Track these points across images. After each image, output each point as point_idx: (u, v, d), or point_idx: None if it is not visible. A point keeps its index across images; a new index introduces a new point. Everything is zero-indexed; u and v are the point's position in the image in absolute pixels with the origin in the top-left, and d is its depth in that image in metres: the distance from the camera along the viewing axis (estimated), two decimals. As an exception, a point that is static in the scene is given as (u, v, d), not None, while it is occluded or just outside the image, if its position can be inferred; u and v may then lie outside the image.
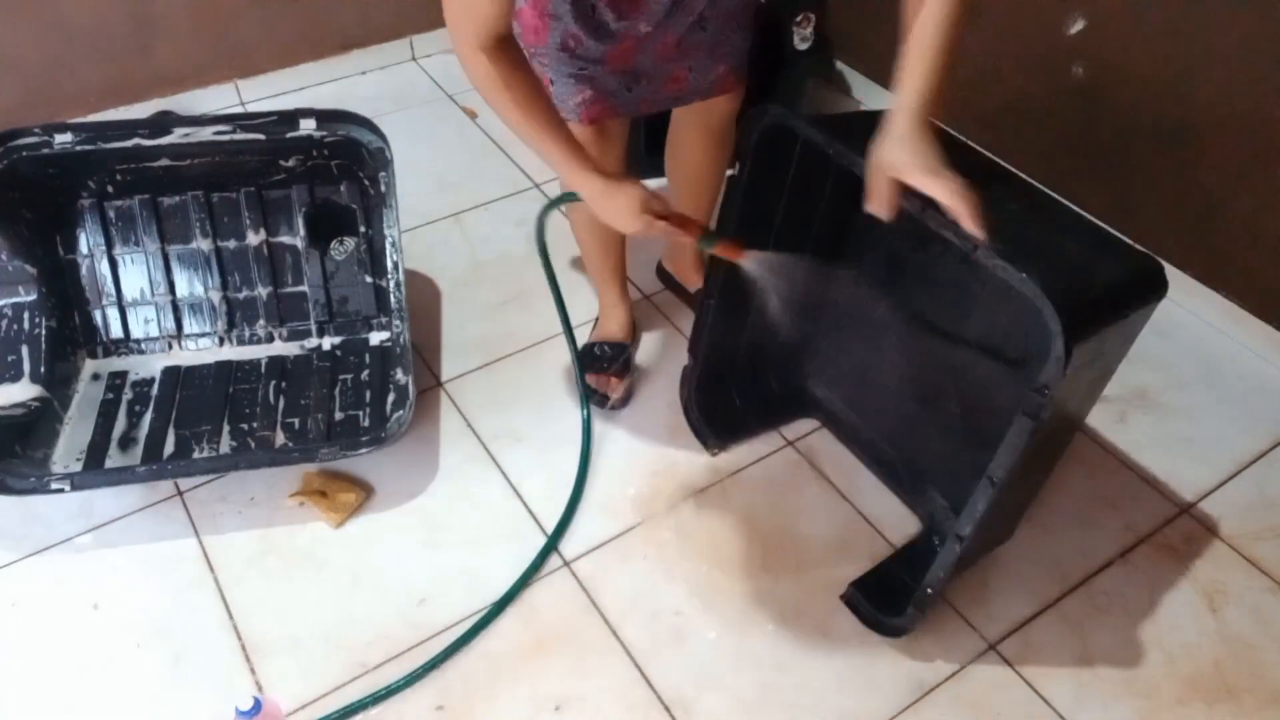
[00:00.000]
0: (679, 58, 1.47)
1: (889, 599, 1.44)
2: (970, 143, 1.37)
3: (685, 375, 1.71)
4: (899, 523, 1.60)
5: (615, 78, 1.45)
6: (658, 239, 1.63)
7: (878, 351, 1.61)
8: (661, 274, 2.01)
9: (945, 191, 1.05)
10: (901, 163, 1.08)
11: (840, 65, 2.58)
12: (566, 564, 1.53)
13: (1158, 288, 1.19)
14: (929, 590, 1.34)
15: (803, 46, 2.26)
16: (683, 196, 1.81)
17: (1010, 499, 1.40)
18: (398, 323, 1.68)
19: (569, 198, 1.41)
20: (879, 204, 1.12)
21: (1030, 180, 1.33)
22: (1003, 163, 1.38)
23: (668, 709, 1.36)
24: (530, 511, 1.60)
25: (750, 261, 1.36)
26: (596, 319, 1.88)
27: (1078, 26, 1.95)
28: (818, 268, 1.49)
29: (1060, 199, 1.33)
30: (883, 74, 2.48)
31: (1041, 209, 1.29)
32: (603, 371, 1.76)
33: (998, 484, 1.18)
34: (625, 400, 1.77)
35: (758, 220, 1.44)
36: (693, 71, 1.50)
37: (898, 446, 1.64)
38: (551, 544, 1.55)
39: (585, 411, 1.71)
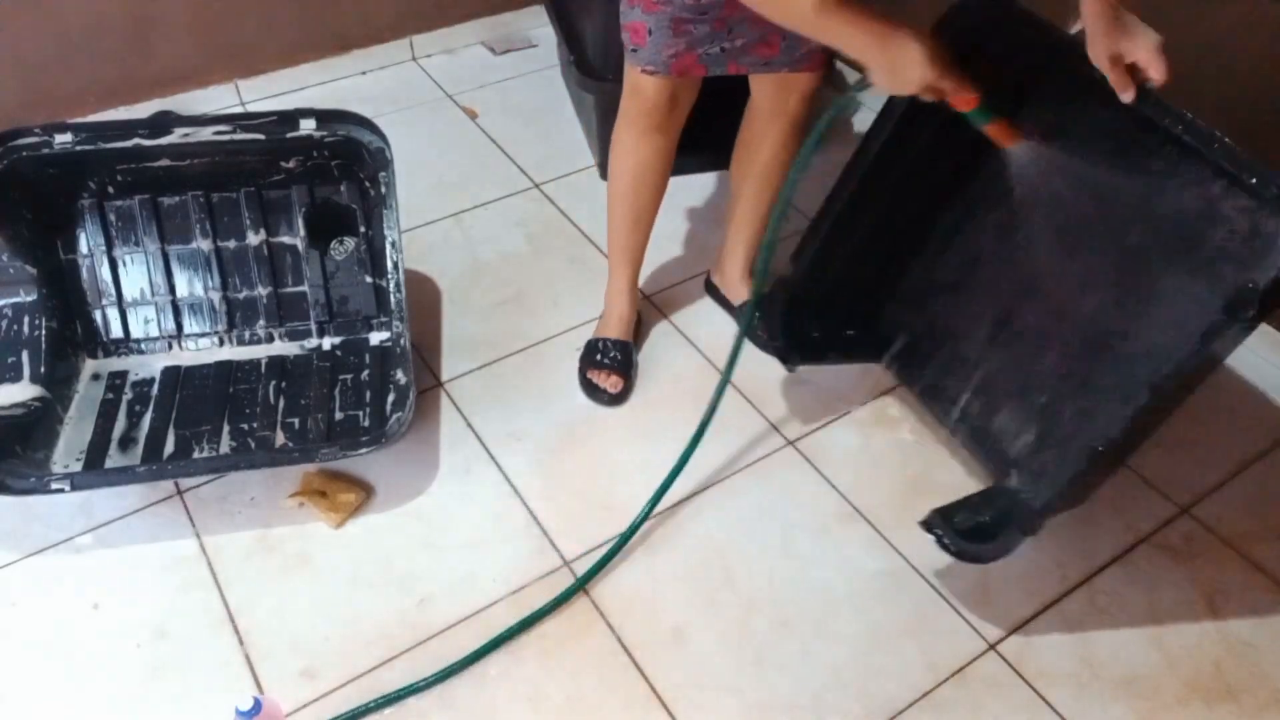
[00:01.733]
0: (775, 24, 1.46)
1: (975, 526, 1.39)
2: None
3: (775, 288, 1.66)
4: (898, 523, 1.59)
5: (714, 33, 1.45)
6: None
7: (982, 296, 1.59)
8: (709, 287, 2.00)
9: (1160, 66, 1.21)
10: (1127, 47, 1.23)
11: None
12: (566, 564, 1.53)
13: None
14: (1046, 508, 1.29)
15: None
16: (745, 193, 1.80)
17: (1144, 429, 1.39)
18: (398, 323, 1.68)
19: (855, 97, 1.38)
20: (1123, 90, 1.25)
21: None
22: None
23: (668, 709, 1.36)
24: (530, 511, 1.60)
25: (1019, 149, 1.35)
26: (603, 314, 1.89)
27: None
28: (1095, 170, 1.42)
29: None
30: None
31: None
32: (602, 368, 1.78)
33: (1163, 382, 1.18)
34: (623, 397, 1.77)
35: (910, 128, 1.44)
36: (785, 39, 1.49)
37: (984, 398, 1.60)
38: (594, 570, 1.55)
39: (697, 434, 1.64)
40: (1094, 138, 1.44)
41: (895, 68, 1.24)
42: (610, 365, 1.79)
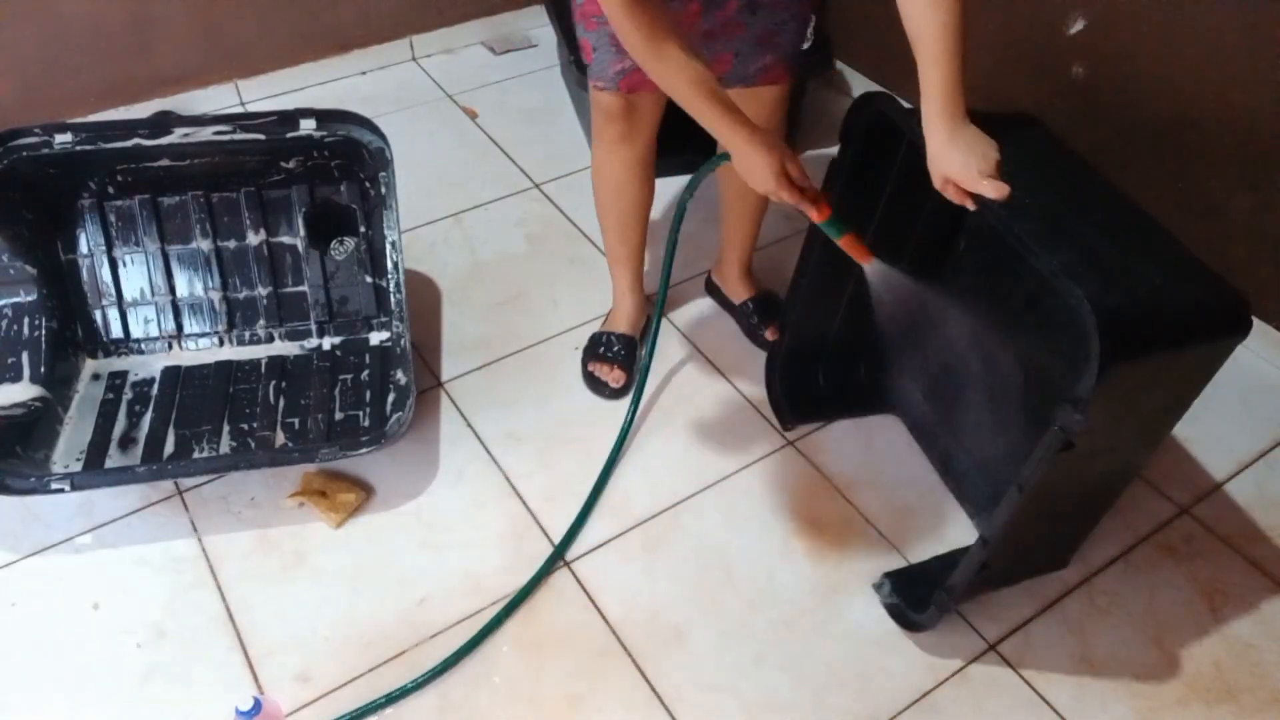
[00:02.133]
0: (724, 40, 1.46)
1: (919, 595, 1.43)
2: (1070, 147, 1.31)
3: (771, 349, 1.75)
4: (898, 524, 1.59)
5: None
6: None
7: (960, 358, 1.59)
8: (709, 286, 2.01)
9: (991, 189, 1.11)
10: (953, 171, 1.13)
11: (840, 65, 2.58)
12: (567, 564, 1.53)
13: (1236, 326, 1.13)
14: (949, 590, 1.34)
15: (803, 46, 2.25)
16: (732, 197, 1.80)
17: (1053, 521, 1.39)
18: (398, 323, 1.68)
19: (720, 160, 1.39)
20: (960, 201, 1.17)
21: (1128, 197, 1.25)
22: (1100, 173, 1.29)
23: (668, 709, 1.36)
24: (530, 511, 1.60)
25: (871, 268, 1.36)
26: (610, 310, 1.90)
27: (1078, 26, 1.95)
28: (931, 295, 1.49)
29: (1156, 221, 1.23)
30: (882, 74, 2.48)
31: (1128, 226, 1.22)
32: (605, 361, 1.80)
33: (1024, 492, 1.17)
34: (624, 391, 1.78)
35: (857, 214, 1.40)
36: (737, 57, 1.50)
37: (973, 456, 1.61)
38: (559, 551, 1.55)
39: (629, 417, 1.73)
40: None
41: (744, 169, 1.29)
42: (613, 359, 1.80)
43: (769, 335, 1.86)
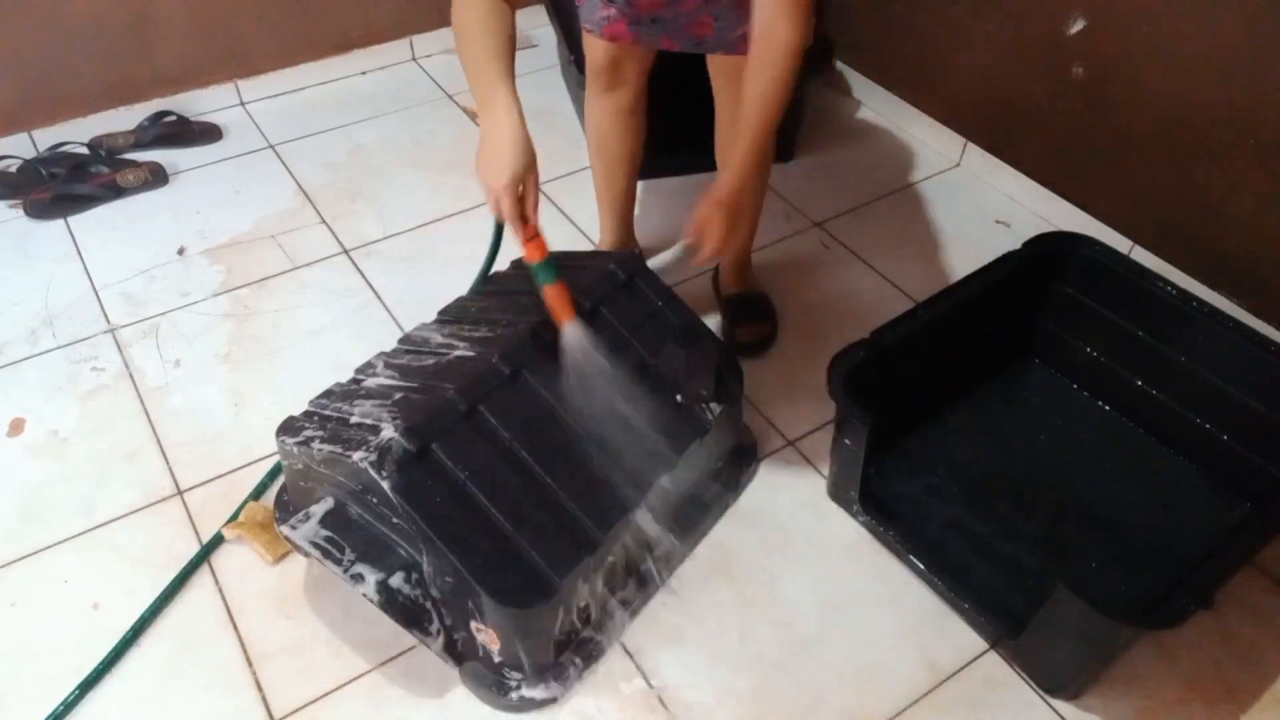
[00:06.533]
0: (705, 5, 1.47)
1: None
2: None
3: (850, 348, 1.51)
4: (899, 523, 1.59)
5: (644, 5, 1.47)
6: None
7: None
8: (714, 279, 1.98)
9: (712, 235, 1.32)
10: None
11: (840, 65, 2.58)
12: (566, 564, 1.53)
13: None
14: None
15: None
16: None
17: None
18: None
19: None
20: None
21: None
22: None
23: (667, 709, 1.36)
24: (530, 511, 1.60)
25: (569, 328, 1.33)
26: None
27: (1078, 26, 1.95)
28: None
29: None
30: (883, 74, 2.48)
31: None
32: None
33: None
34: None
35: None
36: (717, 21, 1.49)
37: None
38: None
39: None
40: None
41: (484, 159, 1.23)
42: None
43: (741, 337, 1.84)
